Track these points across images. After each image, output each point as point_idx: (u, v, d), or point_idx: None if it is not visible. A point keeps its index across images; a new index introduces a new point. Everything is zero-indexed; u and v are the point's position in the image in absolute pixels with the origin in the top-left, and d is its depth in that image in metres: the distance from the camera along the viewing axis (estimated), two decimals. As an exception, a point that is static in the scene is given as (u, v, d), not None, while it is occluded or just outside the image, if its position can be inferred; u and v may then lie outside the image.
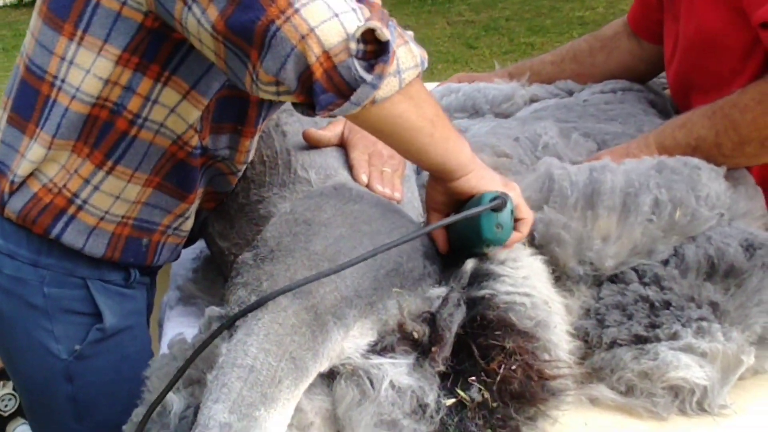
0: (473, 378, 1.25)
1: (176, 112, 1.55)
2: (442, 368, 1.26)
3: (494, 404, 1.23)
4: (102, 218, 1.62)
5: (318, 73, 1.21)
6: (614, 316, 1.47)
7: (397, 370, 1.24)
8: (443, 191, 1.47)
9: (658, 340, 1.43)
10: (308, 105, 1.27)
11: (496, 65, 2.59)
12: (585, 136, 1.84)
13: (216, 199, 1.77)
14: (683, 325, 1.43)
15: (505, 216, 1.37)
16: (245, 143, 1.68)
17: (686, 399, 1.40)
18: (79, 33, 1.48)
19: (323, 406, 1.23)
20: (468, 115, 2.16)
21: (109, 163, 1.57)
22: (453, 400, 1.24)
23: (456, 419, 1.23)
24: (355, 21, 1.22)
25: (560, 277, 1.53)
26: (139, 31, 1.46)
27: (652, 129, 1.81)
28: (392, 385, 1.23)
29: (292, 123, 1.76)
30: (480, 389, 1.24)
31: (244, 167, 1.73)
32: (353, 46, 1.20)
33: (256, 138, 1.71)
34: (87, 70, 1.49)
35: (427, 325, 1.30)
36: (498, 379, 1.24)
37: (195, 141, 1.60)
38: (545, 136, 1.80)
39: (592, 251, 1.51)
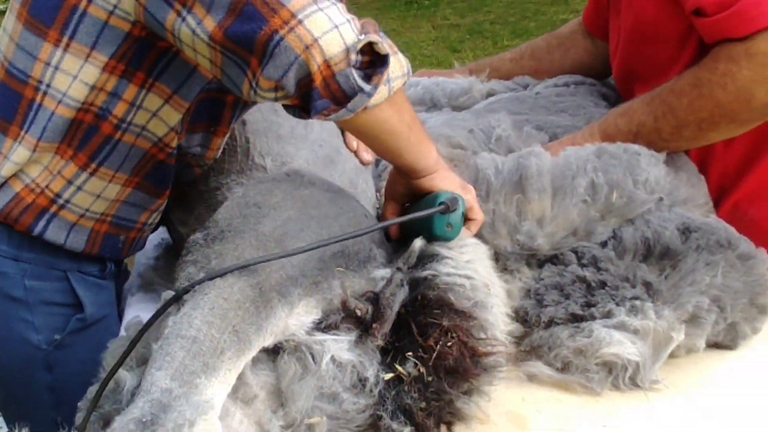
0: (410, 353, 1.31)
1: (158, 116, 1.61)
2: (381, 344, 1.33)
3: (429, 378, 1.29)
4: (82, 215, 1.68)
5: (318, 80, 1.28)
6: (552, 296, 1.54)
7: (338, 346, 1.30)
8: (405, 185, 1.56)
9: (593, 318, 1.50)
10: (303, 108, 1.35)
11: (456, 65, 2.65)
12: (537, 128, 1.90)
13: (178, 188, 1.83)
14: (617, 304, 1.50)
15: (456, 217, 1.47)
16: (217, 142, 1.74)
17: (620, 375, 1.47)
18: (65, 40, 1.51)
19: (268, 381, 1.29)
20: (426, 108, 2.22)
21: (93, 165, 1.62)
22: (391, 375, 1.30)
23: (393, 393, 1.29)
24: (351, 32, 1.30)
25: (500, 258, 1.59)
26: (126, 40, 1.50)
27: None
28: (333, 360, 1.29)
29: (252, 112, 1.82)
30: (416, 364, 1.30)
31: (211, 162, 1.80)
32: (353, 57, 1.28)
33: (227, 137, 1.76)
34: (74, 75, 1.53)
35: (371, 304, 1.36)
36: (434, 355, 1.30)
37: (175, 142, 1.66)
38: (498, 129, 1.86)
39: (521, 233, 1.57)
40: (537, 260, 1.61)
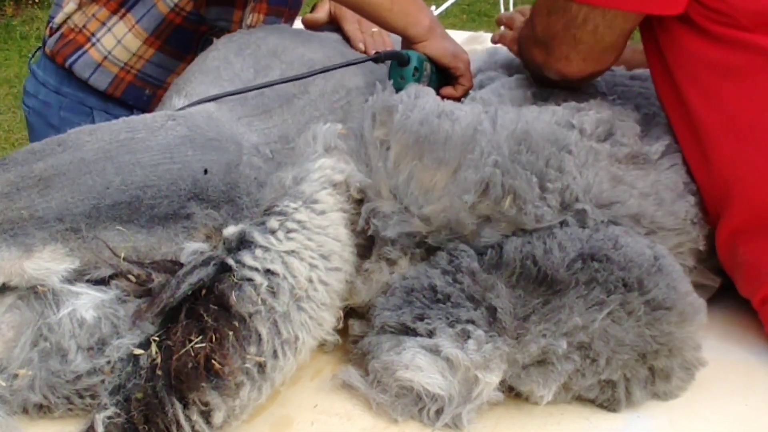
0: (156, 338, 1.18)
1: None
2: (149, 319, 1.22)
3: (159, 372, 1.15)
4: (106, 57, 2.03)
5: None
6: (396, 300, 1.33)
7: (82, 302, 1.23)
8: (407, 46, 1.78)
9: (416, 334, 1.28)
10: None
11: None
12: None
13: None
14: (450, 325, 1.26)
15: (407, 71, 1.68)
16: (238, 14, 2.05)
17: (426, 406, 1.24)
18: None
19: (22, 322, 1.25)
20: (509, 72, 1.93)
21: (123, 11, 1.99)
22: (141, 352, 1.18)
23: (128, 369, 1.18)
24: None
25: (378, 244, 1.40)
26: None
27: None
28: (74, 315, 1.23)
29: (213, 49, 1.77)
30: (156, 352, 1.17)
31: None
32: None
33: (248, 10, 2.05)
34: None
35: (161, 272, 1.26)
36: (176, 350, 1.15)
37: (190, 7, 1.96)
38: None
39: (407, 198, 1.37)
40: (421, 254, 1.39)
